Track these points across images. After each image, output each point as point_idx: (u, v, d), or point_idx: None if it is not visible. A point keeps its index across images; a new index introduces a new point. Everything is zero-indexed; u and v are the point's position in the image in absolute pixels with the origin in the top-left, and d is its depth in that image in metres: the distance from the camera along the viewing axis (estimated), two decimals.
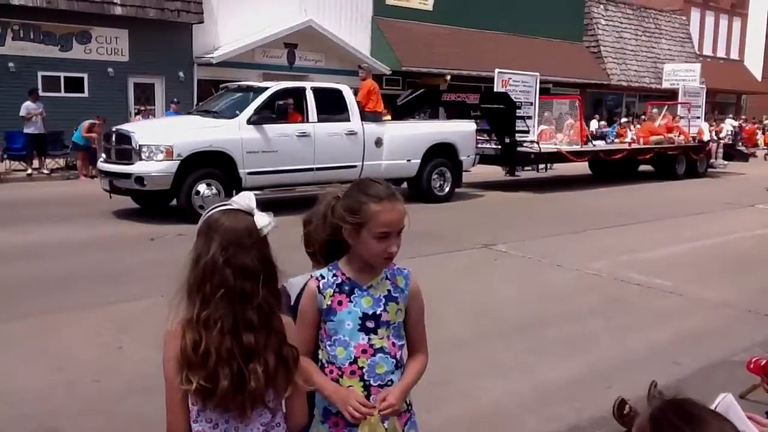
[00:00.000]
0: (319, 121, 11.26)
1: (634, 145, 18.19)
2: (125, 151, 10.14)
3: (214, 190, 10.08)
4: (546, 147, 15.97)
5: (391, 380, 2.11)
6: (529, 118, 16.94)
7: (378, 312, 2.10)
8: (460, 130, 13.48)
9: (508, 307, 6.26)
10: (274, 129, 10.72)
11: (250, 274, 1.76)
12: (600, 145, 18.55)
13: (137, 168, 9.87)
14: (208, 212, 1.85)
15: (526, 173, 17.23)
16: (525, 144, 15.59)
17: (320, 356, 2.17)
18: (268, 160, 10.63)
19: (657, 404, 1.36)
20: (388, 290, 2.13)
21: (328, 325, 2.12)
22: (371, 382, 2.09)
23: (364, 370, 2.09)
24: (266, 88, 11.17)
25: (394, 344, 2.12)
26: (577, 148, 16.47)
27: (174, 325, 1.79)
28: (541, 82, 28.41)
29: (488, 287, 6.97)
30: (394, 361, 2.12)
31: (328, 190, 2.27)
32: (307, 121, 11.21)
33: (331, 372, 2.11)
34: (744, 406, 3.61)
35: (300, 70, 21.61)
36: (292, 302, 2.49)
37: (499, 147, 15.21)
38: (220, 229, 1.78)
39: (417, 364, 2.18)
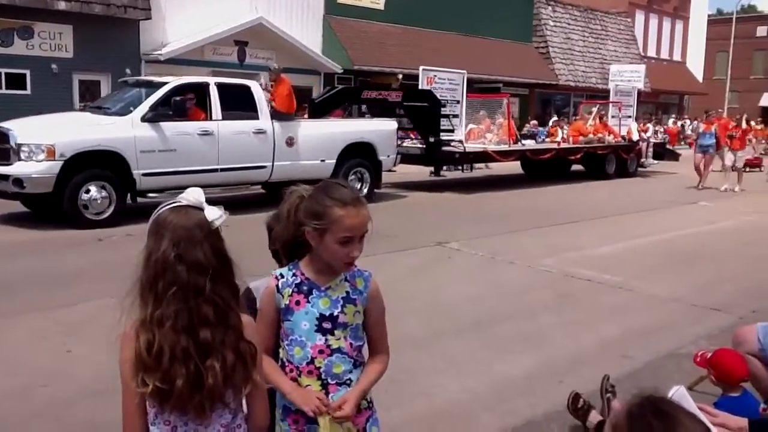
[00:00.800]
0: (224, 118, 10.62)
1: (564, 145, 18.23)
2: (3, 150, 9.28)
3: (104, 194, 9.45)
4: (472, 146, 15.82)
5: (350, 379, 2.13)
6: (456, 116, 16.54)
7: (335, 313, 2.10)
8: (379, 129, 13.04)
9: (464, 304, 6.31)
10: (172, 127, 10.02)
11: (204, 269, 1.72)
12: (530, 144, 18.46)
13: (15, 169, 9.07)
14: (156, 211, 1.81)
15: (453, 173, 17.37)
16: (453, 143, 15.33)
17: (281, 354, 2.17)
18: (165, 161, 9.92)
19: (635, 401, 1.38)
20: (347, 292, 2.13)
21: (285, 325, 2.13)
22: (329, 380, 2.11)
23: (321, 369, 2.10)
24: (165, 83, 10.43)
25: (351, 345, 2.13)
26: (505, 147, 16.36)
27: (128, 326, 1.75)
28: (491, 82, 29.03)
29: (443, 285, 7.01)
30: (351, 360, 2.14)
31: (293, 189, 2.25)
32: (211, 119, 10.56)
33: (291, 371, 2.12)
34: (692, 397, 3.72)
35: (251, 68, 21.35)
36: (257, 304, 2.51)
37: (424, 146, 14.91)
38: (170, 226, 1.74)
39: (376, 365, 2.20)
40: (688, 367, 4.16)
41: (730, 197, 14.98)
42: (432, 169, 16.39)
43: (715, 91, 44.86)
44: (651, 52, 40.50)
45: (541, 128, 23.86)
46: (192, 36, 19.66)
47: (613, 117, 20.91)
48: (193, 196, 1.79)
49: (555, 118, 22.90)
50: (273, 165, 11.23)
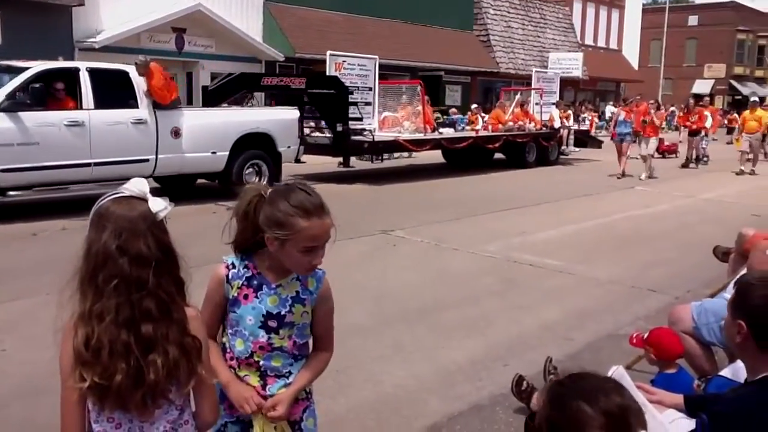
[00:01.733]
0: (97, 107, 9.62)
1: (482, 133, 17.85)
2: None
3: None
4: (383, 135, 15.30)
5: (290, 372, 2.13)
6: (368, 104, 15.97)
7: (282, 312, 2.08)
8: (278, 118, 12.22)
9: (409, 291, 6.34)
10: (34, 117, 9.08)
11: (147, 262, 1.67)
12: (448, 132, 17.91)
13: None
14: (98, 202, 1.75)
15: (365, 164, 16.81)
16: (364, 132, 14.80)
17: (223, 340, 2.16)
18: (26, 155, 8.98)
19: (554, 379, 1.45)
20: (297, 291, 2.10)
21: (231, 315, 2.11)
22: (268, 372, 2.12)
23: (260, 363, 2.11)
24: (26, 69, 9.43)
25: (295, 343, 2.12)
26: (420, 136, 15.75)
27: (67, 321, 1.69)
28: (433, 70, 29.20)
29: (389, 272, 7.03)
30: (292, 356, 2.14)
31: (248, 187, 2.15)
32: (81, 108, 9.55)
33: (231, 359, 2.12)
34: (631, 376, 3.83)
35: (190, 55, 20.96)
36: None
37: (332, 136, 14.19)
38: (112, 216, 1.68)
39: (316, 363, 2.19)
40: (626, 347, 4.25)
41: (664, 181, 15.41)
42: (341, 159, 15.76)
43: (650, 78, 46.13)
44: (588, 41, 41.37)
45: (460, 116, 23.31)
46: (128, 23, 19.14)
47: (536, 104, 20.60)
48: (137, 186, 1.74)
49: (474, 105, 22.21)
50: (156, 158, 10.35)
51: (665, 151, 22.24)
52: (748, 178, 16.82)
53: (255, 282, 2.09)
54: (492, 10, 33.06)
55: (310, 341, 2.21)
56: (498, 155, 18.35)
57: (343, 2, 25.01)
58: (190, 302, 1.80)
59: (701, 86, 58.20)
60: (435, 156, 17.91)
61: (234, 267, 2.10)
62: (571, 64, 34.89)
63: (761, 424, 1.91)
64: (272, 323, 2.07)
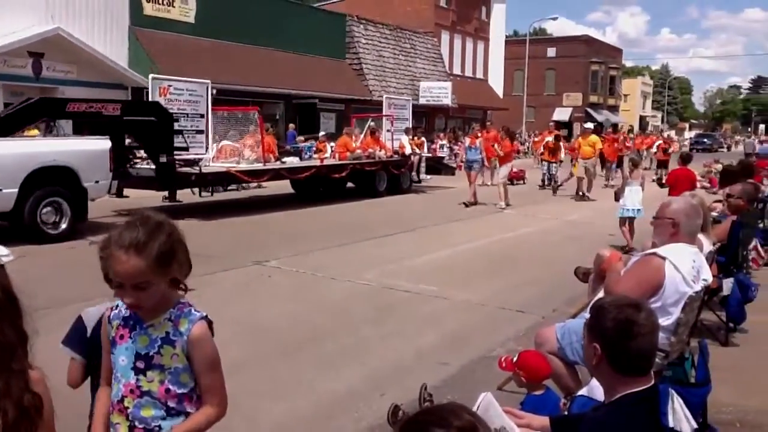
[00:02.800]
0: None
1: (328, 162, 16.86)
2: None
3: None
4: (214, 167, 14.08)
5: (159, 426, 2.00)
6: (200, 132, 14.78)
7: (151, 353, 1.99)
8: (83, 149, 10.61)
9: (286, 323, 6.25)
10: None
11: None
12: (292, 162, 16.46)
13: None
14: None
15: (202, 197, 14.87)
16: (198, 163, 13.69)
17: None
18: None
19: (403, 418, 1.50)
20: (167, 332, 2.00)
21: (112, 358, 2.06)
22: (136, 423, 2.01)
23: (129, 410, 2.01)
24: None
25: (168, 390, 2.00)
26: (259, 166, 14.53)
27: None
28: (307, 98, 29.27)
29: (264, 304, 6.90)
30: (164, 408, 2.00)
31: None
32: None
33: (111, 406, 2.07)
34: (502, 396, 3.94)
35: (48, 81, 19.82)
36: (89, 333, 2.43)
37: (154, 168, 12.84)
38: None
39: (199, 416, 2.03)
40: (498, 370, 4.40)
41: (530, 205, 16.15)
42: (166, 193, 14.08)
43: (514, 106, 48.54)
44: (456, 70, 42.98)
45: (307, 144, 21.73)
46: None
47: (388, 131, 19.85)
48: None
49: (322, 133, 21.24)
50: None
51: (513, 177, 21.73)
52: (603, 198, 17.11)
53: (131, 322, 2.03)
54: (364, 39, 33.67)
55: (190, 399, 2.05)
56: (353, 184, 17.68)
57: (213, 29, 24.60)
58: (33, 363, 1.65)
59: (561, 114, 61.95)
60: (285, 186, 16.97)
61: (117, 308, 2.07)
62: (440, 92, 36.12)
63: None
64: (140, 364, 1.99)
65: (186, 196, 14.25)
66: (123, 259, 1.88)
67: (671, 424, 2.06)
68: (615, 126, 59.60)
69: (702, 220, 4.11)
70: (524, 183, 21.92)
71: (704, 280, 3.76)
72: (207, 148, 14.88)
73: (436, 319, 6.47)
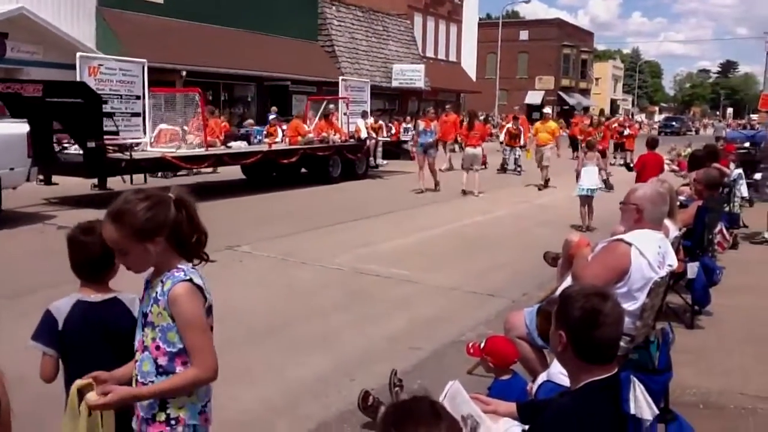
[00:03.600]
0: None
1: (276, 147, 15.98)
2: None
3: None
4: (149, 152, 13.22)
5: (152, 382, 2.13)
6: (136, 115, 13.64)
7: (147, 311, 2.15)
8: None
9: (257, 308, 6.22)
10: None
11: None
12: (239, 146, 15.56)
13: None
14: None
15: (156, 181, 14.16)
16: (133, 148, 12.83)
17: None
18: None
19: (385, 409, 1.51)
20: (157, 292, 2.13)
21: None
22: (139, 377, 2.16)
23: (137, 364, 2.17)
24: None
25: (158, 347, 2.12)
26: (200, 151, 13.74)
27: None
28: (279, 80, 28.99)
29: (236, 290, 6.83)
30: (155, 364, 2.12)
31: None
32: None
33: None
34: (471, 381, 3.96)
35: (13, 62, 19.37)
36: (60, 327, 2.42)
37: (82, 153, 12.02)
38: None
39: (175, 376, 2.11)
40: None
41: (504, 188, 16.23)
42: (95, 181, 13.40)
43: (487, 89, 48.67)
44: (429, 53, 42.87)
45: (258, 127, 20.61)
46: None
47: (345, 114, 18.71)
48: None
49: (273, 116, 20.03)
50: None
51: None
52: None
53: (147, 282, 2.22)
54: (336, 21, 33.40)
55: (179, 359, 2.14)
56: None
57: (183, 9, 24.20)
58: None
59: (533, 97, 62.29)
60: (236, 172, 16.58)
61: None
62: (413, 75, 36.06)
63: (581, 430, 2.03)
64: (142, 320, 2.18)
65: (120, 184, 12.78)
66: (106, 226, 2.10)
67: (633, 411, 2.09)
68: (586, 109, 60.23)
69: (668, 207, 4.15)
70: (485, 168, 20.56)
71: (669, 265, 3.81)
72: (145, 132, 13.87)
73: (407, 304, 6.48)
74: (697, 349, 5.09)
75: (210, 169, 16.21)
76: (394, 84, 36.12)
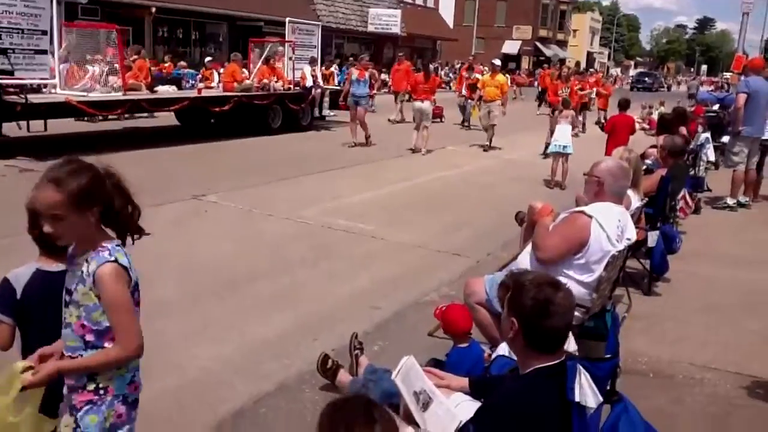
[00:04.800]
0: None
1: (207, 93, 14.80)
2: None
3: None
4: (52, 96, 11.78)
5: (81, 355, 2.17)
6: (42, 53, 11.70)
7: (71, 289, 2.16)
8: None
9: (221, 261, 6.20)
10: None
11: None
12: (166, 91, 14.41)
13: None
14: None
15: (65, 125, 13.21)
16: (45, 90, 11.81)
17: None
18: None
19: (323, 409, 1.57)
20: (82, 271, 2.14)
21: None
22: (64, 351, 2.20)
23: (62, 338, 2.21)
24: None
25: (83, 326, 2.15)
26: (117, 96, 12.42)
27: None
28: (252, 20, 28.26)
29: (200, 241, 6.82)
30: (81, 340, 2.16)
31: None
32: None
33: None
34: (431, 344, 4.01)
35: None
36: (18, 295, 2.43)
37: None
38: None
39: (99, 353, 2.16)
40: (430, 315, 4.49)
41: (471, 141, 16.17)
42: None
43: (464, 37, 48.15)
44: None
45: (191, 70, 19.20)
46: None
47: (290, 59, 16.90)
48: None
49: (209, 58, 18.62)
50: None
51: (435, 115, 18.76)
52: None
53: (72, 258, 2.22)
54: None
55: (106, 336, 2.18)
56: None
57: None
58: None
59: (510, 46, 61.73)
60: (170, 118, 15.69)
61: (74, 246, 2.23)
62: (390, 20, 35.49)
63: (525, 415, 2.08)
64: (67, 298, 2.18)
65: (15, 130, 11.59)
66: (41, 189, 2.04)
67: (577, 398, 2.14)
68: (562, 61, 59.92)
69: (630, 180, 4.18)
70: (442, 121, 19.87)
71: (628, 239, 3.87)
72: (56, 72, 12.20)
73: (371, 261, 6.52)
74: (651, 316, 5.22)
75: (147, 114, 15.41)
76: (370, 29, 35.56)
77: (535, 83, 38.39)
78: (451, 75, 37.54)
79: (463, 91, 19.88)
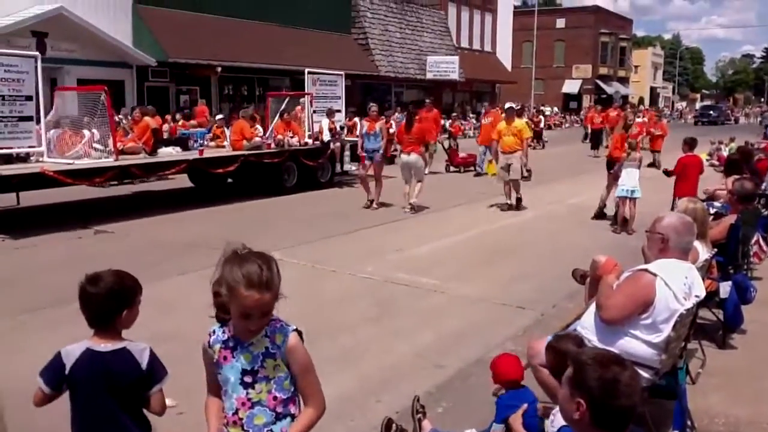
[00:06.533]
0: None
1: (210, 153, 13.70)
2: None
3: None
4: (28, 166, 10.93)
5: (271, 430, 2.31)
6: (27, 119, 10.96)
7: (255, 368, 2.29)
8: None
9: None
10: None
11: None
12: (167, 153, 13.27)
13: None
14: None
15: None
16: (29, 158, 11.13)
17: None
18: None
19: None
20: (266, 347, 2.30)
21: (219, 377, 2.36)
22: (251, 431, 2.32)
23: (243, 420, 2.31)
24: None
25: (275, 398, 2.31)
26: (104, 162, 11.53)
27: None
28: (311, 74, 28.93)
29: None
30: (273, 413, 2.31)
31: (228, 242, 2.33)
32: None
33: (224, 418, 2.36)
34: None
35: (52, 61, 19.76)
36: (67, 371, 2.52)
37: None
38: None
39: (303, 417, 2.35)
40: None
41: (531, 187, 15.96)
42: None
43: (523, 79, 48.13)
44: (464, 43, 42.59)
45: (201, 129, 17.60)
46: None
47: (314, 112, 15.98)
48: None
49: (220, 116, 17.43)
50: None
51: (461, 164, 19.48)
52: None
53: (231, 343, 2.33)
54: (369, 13, 33.36)
55: (299, 401, 2.38)
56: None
57: (216, 4, 24.43)
58: None
59: (570, 86, 61.45)
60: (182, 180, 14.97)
61: (214, 333, 2.37)
62: (448, 67, 35.88)
63: None
64: (248, 379, 2.30)
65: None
66: (256, 298, 2.18)
67: None
68: (625, 98, 59.17)
69: (695, 235, 4.07)
70: (474, 169, 18.99)
71: (696, 296, 3.74)
72: (42, 139, 11.32)
73: (434, 316, 6.48)
74: (727, 371, 5.00)
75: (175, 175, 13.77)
76: (429, 76, 36.00)
77: (581, 122, 37.92)
78: None
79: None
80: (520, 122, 13.06)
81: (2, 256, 8.70)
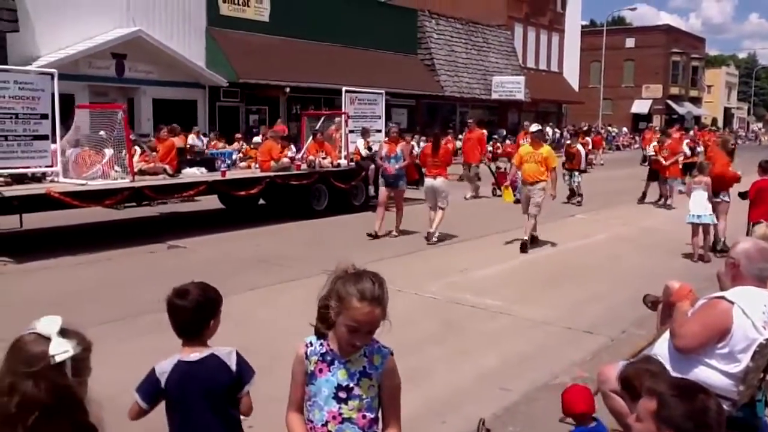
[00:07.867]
0: None
1: (233, 175, 13.02)
2: None
3: None
4: (32, 187, 10.32)
5: None
6: (41, 138, 10.50)
7: (351, 385, 2.35)
8: None
9: None
10: None
11: (34, 405, 1.61)
12: (191, 173, 12.68)
13: None
14: (21, 333, 1.71)
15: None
16: (45, 178, 10.76)
17: (303, 411, 2.45)
18: None
19: None
20: (364, 366, 2.36)
21: (309, 388, 2.41)
22: None
23: None
24: None
25: (364, 416, 2.36)
26: (116, 184, 10.92)
27: None
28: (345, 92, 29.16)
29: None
30: (361, 431, 2.35)
31: (340, 261, 2.43)
32: None
33: (311, 429, 2.41)
34: (562, 430, 3.88)
35: (130, 81, 20.66)
36: (163, 385, 2.61)
37: None
38: (15, 352, 1.67)
39: None
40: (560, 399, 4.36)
41: (598, 209, 15.68)
42: None
43: (590, 99, 47.44)
44: (530, 63, 42.30)
45: (229, 149, 16.91)
46: (66, 49, 18.77)
47: (351, 131, 15.10)
48: (45, 325, 1.70)
49: (257, 138, 17.16)
50: None
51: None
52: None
53: (328, 357, 2.39)
54: (435, 34, 33.55)
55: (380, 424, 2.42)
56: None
57: (286, 27, 25.02)
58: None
59: (639, 106, 60.19)
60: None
61: (311, 345, 2.43)
62: (513, 87, 35.68)
63: None
64: (342, 394, 2.34)
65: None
66: (367, 311, 2.24)
67: None
68: (697, 119, 57.57)
69: None
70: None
71: None
72: (59, 159, 11.00)
73: (500, 338, 6.43)
74: None
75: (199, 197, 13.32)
76: (494, 96, 35.90)
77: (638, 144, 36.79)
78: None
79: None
80: (546, 149, 10.87)
81: (83, 270, 9.08)
